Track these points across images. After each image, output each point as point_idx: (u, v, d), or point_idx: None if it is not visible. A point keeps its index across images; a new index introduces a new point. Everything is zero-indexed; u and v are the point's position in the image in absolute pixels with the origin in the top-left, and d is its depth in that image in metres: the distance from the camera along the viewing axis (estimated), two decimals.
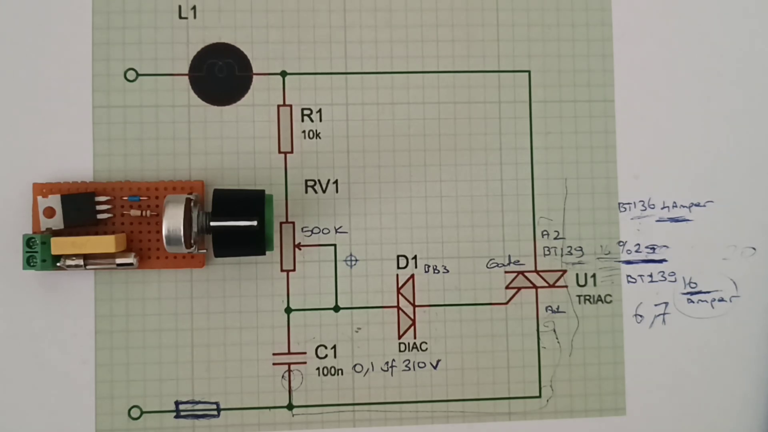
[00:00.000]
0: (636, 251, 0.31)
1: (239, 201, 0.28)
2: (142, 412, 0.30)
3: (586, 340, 0.31)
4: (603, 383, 0.31)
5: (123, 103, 0.30)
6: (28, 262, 0.28)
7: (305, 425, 0.30)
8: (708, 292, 0.31)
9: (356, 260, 0.30)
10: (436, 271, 0.31)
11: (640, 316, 0.31)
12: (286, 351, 0.30)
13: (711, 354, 0.31)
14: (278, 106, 0.30)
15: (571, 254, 0.31)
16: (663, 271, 0.31)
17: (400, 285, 0.31)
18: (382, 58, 0.31)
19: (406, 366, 0.30)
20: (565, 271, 0.31)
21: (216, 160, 0.30)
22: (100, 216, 0.29)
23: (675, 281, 0.31)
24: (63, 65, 0.30)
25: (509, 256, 0.31)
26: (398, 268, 0.31)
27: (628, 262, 0.31)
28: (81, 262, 0.28)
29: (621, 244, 0.31)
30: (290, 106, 0.30)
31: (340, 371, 0.30)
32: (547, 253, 0.31)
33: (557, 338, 0.31)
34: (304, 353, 0.30)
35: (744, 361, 0.31)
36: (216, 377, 0.30)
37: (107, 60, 0.30)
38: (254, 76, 0.30)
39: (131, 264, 0.28)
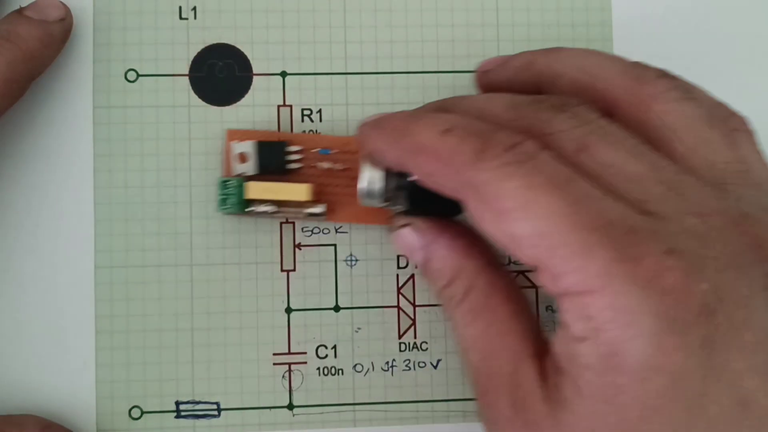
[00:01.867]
0: None
1: None
2: (142, 412, 0.30)
3: None
4: None
5: (123, 104, 0.30)
6: (223, 203, 0.29)
7: (306, 425, 0.30)
8: None
9: (356, 260, 0.31)
10: None
11: None
12: (287, 351, 0.30)
13: None
14: (278, 106, 0.31)
15: None
16: None
17: (400, 285, 0.31)
18: (382, 59, 0.31)
19: (407, 366, 0.31)
20: None
21: (216, 161, 0.30)
22: (290, 166, 0.29)
23: None
24: (64, 65, 0.30)
25: (509, 256, 0.31)
26: (398, 267, 0.31)
27: None
28: (272, 208, 0.29)
29: None
30: (290, 106, 0.31)
31: (340, 371, 0.30)
32: None
33: None
34: (305, 353, 0.30)
35: None
36: (216, 377, 0.30)
37: (108, 61, 0.30)
38: (254, 77, 0.31)
39: (321, 214, 0.29)
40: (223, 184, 0.29)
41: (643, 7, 0.32)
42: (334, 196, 0.30)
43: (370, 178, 0.27)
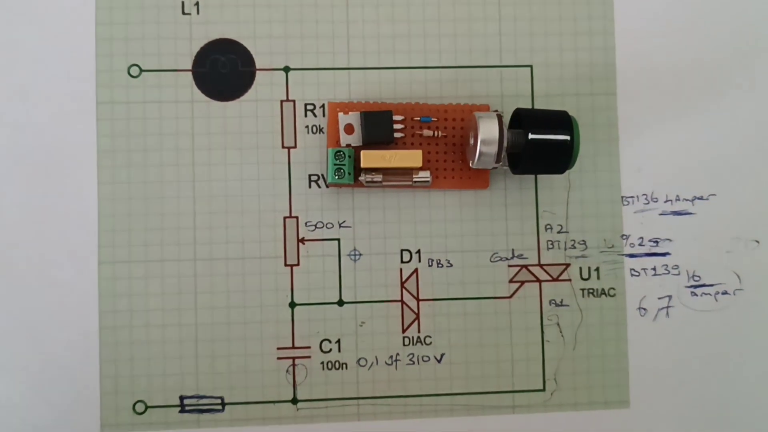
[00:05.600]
0: (639, 244, 0.32)
1: (549, 119, 0.29)
2: (146, 407, 0.30)
3: (590, 333, 0.31)
4: (607, 376, 0.31)
5: (126, 99, 0.30)
6: (336, 174, 0.29)
7: (310, 419, 0.30)
8: (711, 285, 0.32)
9: (360, 254, 0.31)
10: (439, 265, 0.31)
11: (644, 309, 0.32)
12: (291, 345, 0.30)
13: (715, 347, 0.32)
14: (281, 101, 0.31)
15: (575, 248, 0.31)
16: (666, 265, 0.32)
17: (403, 279, 0.31)
18: (384, 53, 0.31)
19: (410, 360, 0.31)
20: (568, 265, 0.31)
21: (219, 156, 0.30)
22: (396, 135, 0.30)
23: (678, 274, 0.32)
24: (66, 61, 0.30)
25: (513, 249, 0.31)
26: (402, 262, 0.31)
27: (632, 256, 0.32)
28: (380, 177, 0.30)
29: (624, 237, 0.32)
30: (293, 101, 0.31)
31: (344, 365, 0.31)
32: (551, 246, 0.31)
33: (561, 332, 0.31)
34: (309, 347, 0.31)
35: (748, 354, 0.32)
36: (220, 372, 0.30)
37: (110, 56, 0.30)
38: (257, 72, 0.31)
39: (427, 181, 0.30)
40: (336, 154, 0.29)
41: (646, 1, 0.32)
42: (434, 163, 0.31)
43: (485, 139, 0.28)
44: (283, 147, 0.31)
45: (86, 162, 0.30)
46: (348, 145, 0.30)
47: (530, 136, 0.28)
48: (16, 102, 0.30)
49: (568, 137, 0.29)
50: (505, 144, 0.29)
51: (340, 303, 0.31)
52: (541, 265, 0.31)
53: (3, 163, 0.30)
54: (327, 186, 0.31)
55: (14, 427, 0.30)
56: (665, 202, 0.32)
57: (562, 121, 0.29)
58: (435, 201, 0.31)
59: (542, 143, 0.29)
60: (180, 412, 0.30)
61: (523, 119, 0.29)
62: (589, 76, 0.32)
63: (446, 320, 0.31)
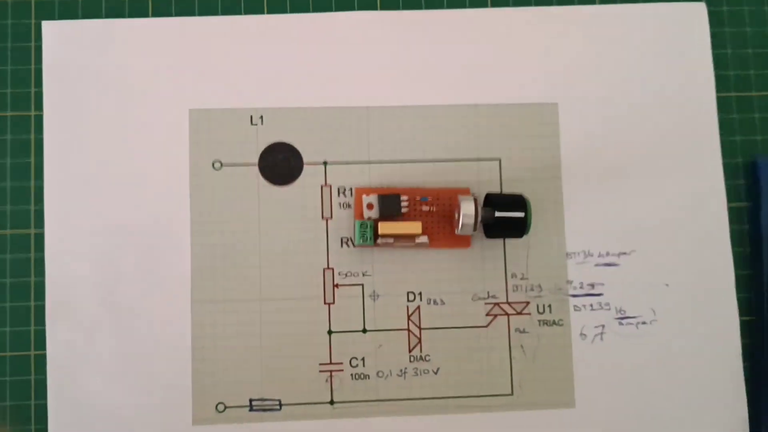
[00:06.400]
0: (580, 287, 0.38)
1: (509, 201, 0.35)
2: (225, 407, 0.37)
3: (545, 352, 0.37)
4: (558, 384, 0.37)
5: (211, 185, 0.38)
6: (361, 238, 0.36)
7: (342, 415, 0.37)
8: (634, 317, 0.38)
9: (378, 295, 0.37)
10: (435, 303, 0.37)
11: (584, 335, 0.38)
12: (329, 362, 0.37)
13: (637, 362, 0.37)
14: (321, 186, 0.38)
15: (533, 290, 0.38)
16: (600, 302, 0.38)
17: (409, 313, 0.37)
18: (395, 152, 0.38)
19: (415, 372, 0.37)
20: (528, 303, 0.38)
21: (277, 225, 0.38)
22: (402, 210, 0.36)
23: (609, 309, 0.38)
24: (168, 157, 0.38)
25: (488, 291, 0.38)
26: (408, 301, 0.37)
27: (575, 296, 0.38)
28: (392, 240, 0.36)
29: (569, 282, 0.38)
30: (330, 186, 0.38)
31: (367, 376, 0.37)
32: (515, 289, 0.38)
33: (524, 351, 0.37)
34: (342, 363, 0.37)
35: (661, 368, 0.37)
36: (279, 381, 0.37)
37: (200, 154, 0.38)
38: (305, 165, 0.38)
39: (425, 243, 0.36)
40: (361, 225, 0.36)
41: (582, 113, 0.39)
42: (431, 229, 0.36)
43: (467, 213, 0.35)
44: (322, 218, 0.38)
45: (183, 230, 0.37)
46: (369, 218, 0.36)
47: (496, 213, 0.35)
48: (131, 187, 0.37)
49: (522, 214, 0.35)
50: (479, 219, 0.35)
51: (364, 331, 0.37)
52: (509, 303, 0.38)
53: (121, 235, 0.37)
54: (354, 246, 0.37)
55: (125, 423, 0.36)
56: (599, 256, 0.38)
57: (518, 202, 0.35)
58: (432, 257, 0.38)
59: (505, 219, 0.35)
60: (249, 411, 0.36)
61: (492, 201, 0.36)
62: (541, 166, 0.38)
63: (441, 343, 0.37)
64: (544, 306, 0.38)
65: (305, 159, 0.38)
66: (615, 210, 0.39)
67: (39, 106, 0.39)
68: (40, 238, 0.38)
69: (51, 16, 0.39)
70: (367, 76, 0.39)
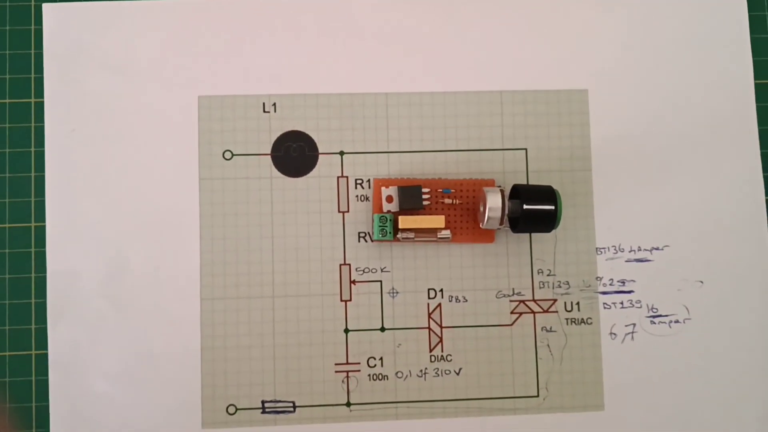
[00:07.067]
0: (610, 284, 0.37)
1: (538, 193, 0.35)
2: (236, 409, 0.37)
3: (573, 352, 0.37)
4: (586, 385, 0.37)
5: (222, 176, 0.38)
6: (380, 233, 0.35)
7: (359, 418, 0.37)
8: (666, 316, 0.37)
9: (397, 292, 0.37)
10: (457, 301, 0.37)
11: (614, 334, 0.37)
12: (345, 362, 0.37)
13: (669, 363, 0.37)
14: (338, 177, 0.38)
15: (560, 287, 0.38)
16: (631, 300, 0.37)
17: (430, 311, 0.37)
18: (415, 141, 0.38)
19: (436, 373, 0.37)
20: (555, 300, 0.37)
21: (291, 218, 0.37)
22: (424, 203, 0.36)
23: (641, 307, 0.37)
24: (177, 147, 0.37)
25: (513, 288, 0.38)
26: (429, 298, 0.37)
27: (604, 293, 0.37)
28: (413, 235, 0.35)
29: (598, 279, 0.38)
30: (347, 177, 0.38)
31: (385, 377, 0.37)
32: (542, 286, 0.37)
33: (551, 351, 0.37)
34: (358, 363, 0.37)
35: (694, 368, 0.37)
36: (292, 382, 0.37)
37: (210, 144, 0.38)
38: (320, 155, 0.38)
39: (448, 237, 0.35)
40: (380, 218, 0.35)
41: (613, 99, 0.38)
42: (454, 223, 0.36)
43: (494, 206, 0.34)
44: (338, 211, 0.37)
45: (191, 223, 0.37)
46: (388, 211, 0.36)
47: (525, 206, 0.34)
48: (137, 178, 0.37)
49: (553, 207, 0.34)
50: (506, 212, 0.34)
51: (382, 329, 0.37)
52: (534, 300, 0.37)
53: (126, 229, 0.37)
54: (372, 241, 0.37)
55: (131, 427, 0.36)
56: (630, 251, 0.38)
57: (548, 194, 0.35)
58: (454, 252, 0.37)
59: (534, 212, 0.34)
60: (261, 413, 0.36)
61: (520, 193, 0.35)
62: (570, 157, 0.38)
63: (463, 343, 0.37)
64: (572, 304, 0.38)
65: (320, 149, 0.38)
66: (647, 203, 0.38)
67: (39, 92, 0.38)
68: (41, 232, 0.37)
69: None
70: (385, 61, 0.39)
